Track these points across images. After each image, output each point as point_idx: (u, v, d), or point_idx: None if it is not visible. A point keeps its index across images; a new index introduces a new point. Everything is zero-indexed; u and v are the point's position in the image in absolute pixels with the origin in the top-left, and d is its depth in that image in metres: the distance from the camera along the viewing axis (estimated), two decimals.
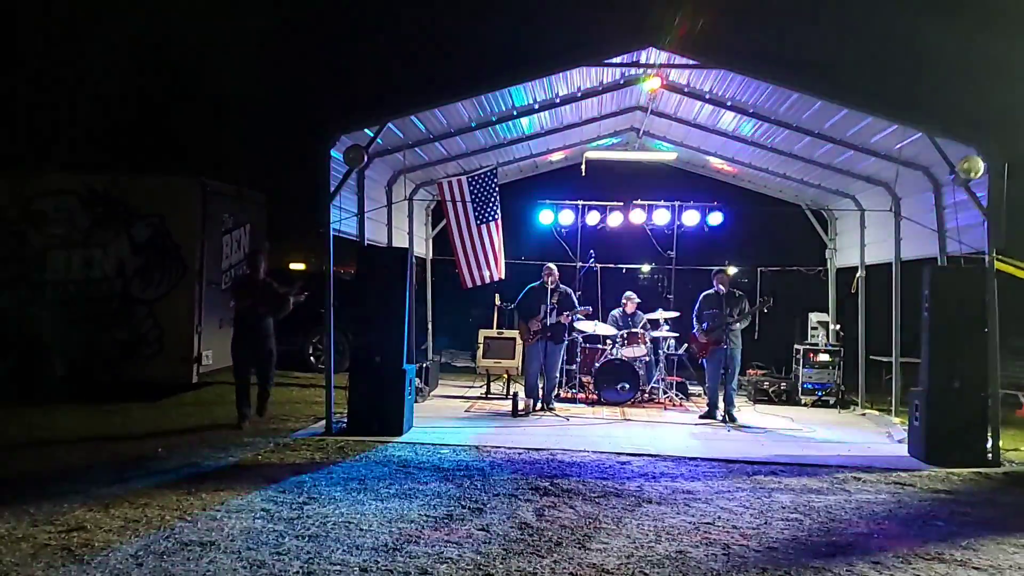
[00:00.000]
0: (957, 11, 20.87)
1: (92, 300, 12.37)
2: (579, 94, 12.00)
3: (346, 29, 26.97)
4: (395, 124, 10.96)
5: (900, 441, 10.45)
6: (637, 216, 14.37)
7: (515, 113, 12.14)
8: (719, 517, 6.76)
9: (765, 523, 6.65)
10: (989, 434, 9.40)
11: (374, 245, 11.94)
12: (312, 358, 16.33)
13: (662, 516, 6.72)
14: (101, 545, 5.50)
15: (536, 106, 12.08)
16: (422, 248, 15.55)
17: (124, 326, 12.33)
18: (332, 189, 10.16)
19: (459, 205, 13.24)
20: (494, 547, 5.73)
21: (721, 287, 11.99)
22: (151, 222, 12.44)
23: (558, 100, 12.03)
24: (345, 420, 10.03)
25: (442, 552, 5.58)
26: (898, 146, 10.69)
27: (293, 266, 20.04)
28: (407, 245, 13.49)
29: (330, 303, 10.17)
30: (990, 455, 9.34)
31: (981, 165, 9.33)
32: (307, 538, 5.79)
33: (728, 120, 12.60)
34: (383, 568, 5.22)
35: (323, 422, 10.13)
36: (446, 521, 6.33)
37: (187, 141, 23.79)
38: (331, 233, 10.24)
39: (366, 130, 10.45)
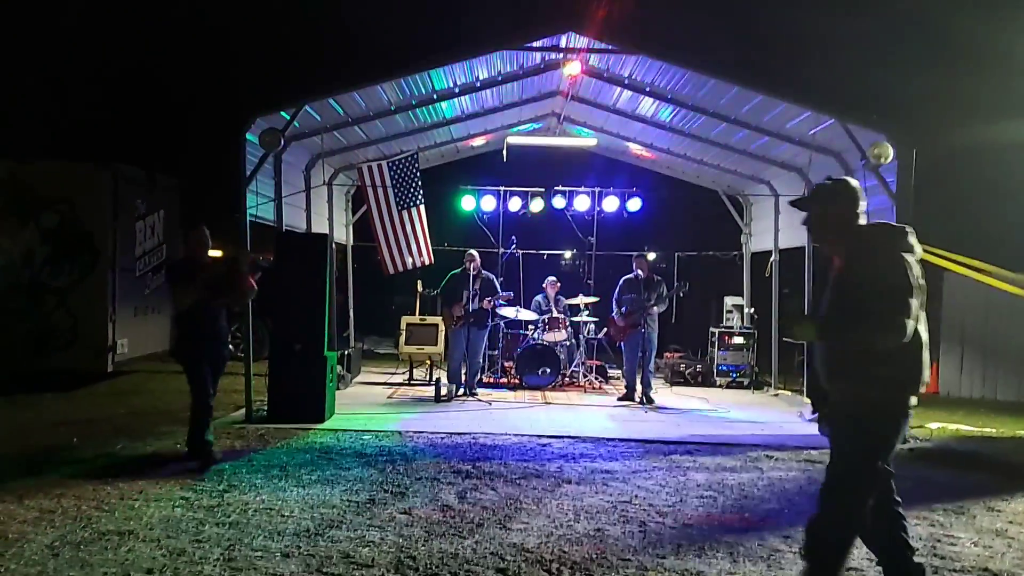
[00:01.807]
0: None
1: (0, 289, 11.98)
2: (500, 78, 12.04)
3: (262, 9, 26.46)
4: (312, 107, 10.84)
5: (811, 420, 10.74)
6: (558, 202, 14.50)
7: (435, 97, 12.11)
8: (636, 496, 6.89)
9: (681, 501, 6.81)
10: None
11: (292, 231, 11.81)
12: (230, 346, 16.05)
13: (581, 496, 6.83)
14: (15, 536, 5.36)
15: (457, 90, 12.07)
16: (342, 234, 15.42)
17: (34, 316, 11.98)
18: (248, 174, 10.01)
19: (380, 190, 13.16)
20: (416, 530, 5.76)
21: (640, 271, 12.19)
22: (59, 209, 12.09)
23: (479, 84, 12.04)
24: (265, 408, 9.92)
25: (364, 536, 5.58)
26: (811, 132, 10.99)
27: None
28: (327, 231, 13.37)
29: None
30: None
31: (890, 151, 9.64)
32: (227, 525, 5.74)
33: (647, 106, 12.78)
34: (305, 553, 5.21)
35: (243, 410, 10.01)
36: (368, 505, 6.34)
37: (96, 125, 23.09)
38: (247, 219, 10.09)
39: (282, 113, 10.31)
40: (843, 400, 4.33)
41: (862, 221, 4.42)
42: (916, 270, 4.21)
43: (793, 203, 4.77)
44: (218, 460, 7.49)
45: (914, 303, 4.11)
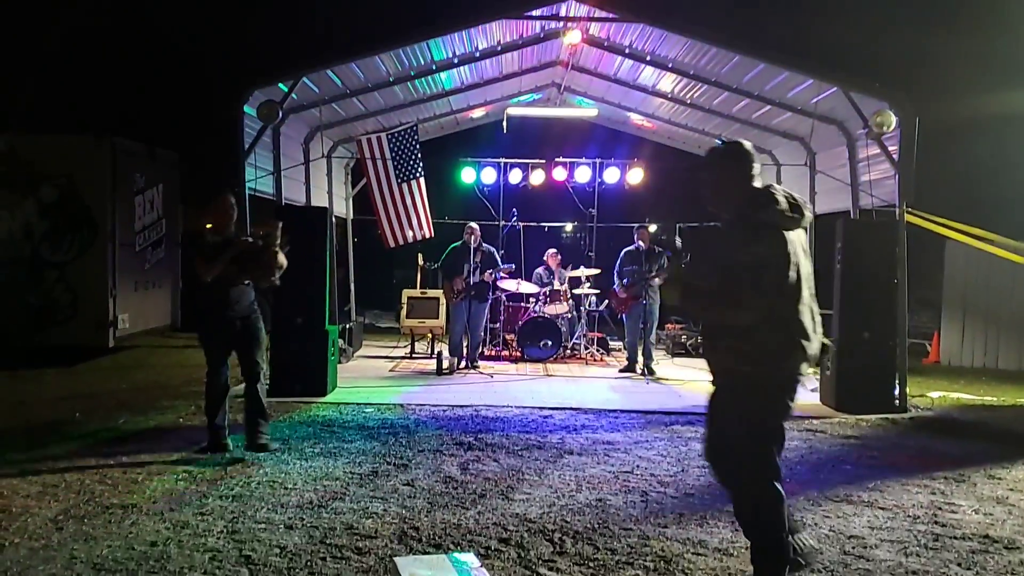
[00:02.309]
0: None
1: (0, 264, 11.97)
2: (499, 48, 11.94)
3: None
4: (310, 79, 10.76)
5: (812, 390, 10.75)
6: (559, 174, 14.39)
7: (434, 67, 12.02)
8: (638, 466, 6.91)
9: (682, 471, 6.82)
10: (897, 382, 9.76)
11: (292, 204, 11.77)
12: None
13: (583, 466, 6.85)
14: (19, 511, 5.38)
15: (456, 60, 11.98)
16: (342, 207, 15.36)
17: (35, 291, 11.97)
18: (246, 147, 9.96)
19: (379, 163, 13.09)
20: (419, 501, 5.78)
21: (642, 243, 12.16)
22: (59, 183, 12.06)
23: (478, 54, 11.95)
24: (267, 382, 9.91)
25: (368, 507, 5.60)
26: (813, 101, 10.91)
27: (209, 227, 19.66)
28: (326, 204, 13.33)
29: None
30: (897, 402, 9.70)
31: (893, 119, 9.58)
32: (231, 498, 5.76)
33: (648, 75, 12.69)
34: (308, 525, 5.22)
35: (243, 384, 9.98)
36: (371, 477, 6.35)
37: (95, 99, 22.96)
38: (246, 192, 10.05)
39: (280, 85, 10.24)
40: (717, 372, 4.29)
41: (756, 184, 4.19)
42: (794, 240, 4.07)
43: (690, 169, 4.69)
44: (227, 449, 6.97)
45: (775, 282, 3.96)
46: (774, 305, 3.98)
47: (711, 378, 4.35)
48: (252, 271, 6.97)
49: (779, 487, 4.13)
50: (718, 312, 4.12)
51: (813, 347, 4.09)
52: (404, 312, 14.00)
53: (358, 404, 9.29)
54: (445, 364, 11.83)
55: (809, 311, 4.10)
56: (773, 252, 3.98)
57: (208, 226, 7.02)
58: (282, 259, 6.97)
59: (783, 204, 4.06)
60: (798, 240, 4.10)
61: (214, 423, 7.07)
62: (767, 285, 3.94)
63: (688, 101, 13.09)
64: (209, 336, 7.09)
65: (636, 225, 12.67)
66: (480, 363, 12.34)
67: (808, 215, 4.16)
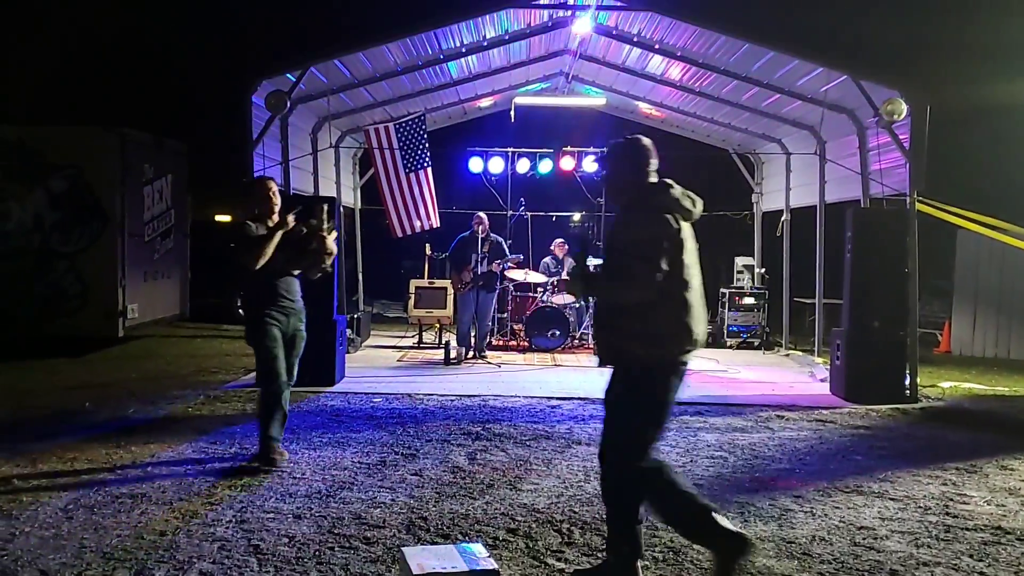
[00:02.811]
0: None
1: (9, 254, 11.99)
2: (507, 37, 11.90)
3: None
4: (318, 69, 10.75)
5: (822, 380, 10.75)
6: (567, 163, 14.36)
7: (442, 57, 11.99)
8: None
9: (691, 461, 6.81)
10: (907, 372, 9.72)
11: (300, 194, 11.76)
12: (241, 310, 16.06)
13: (591, 456, 6.81)
14: (29, 500, 5.39)
15: (463, 49, 11.95)
16: (350, 197, 15.36)
17: (45, 281, 12.01)
18: (254, 137, 9.96)
19: (387, 153, 13.08)
20: (427, 491, 5.78)
21: None
22: (68, 174, 12.07)
23: (486, 43, 11.91)
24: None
25: (376, 497, 5.60)
26: (823, 89, 10.85)
27: (218, 218, 19.69)
28: (334, 194, 13.32)
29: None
30: (908, 392, 9.66)
31: (904, 108, 9.52)
32: (240, 488, 5.76)
33: (656, 64, 12.64)
34: (317, 514, 5.23)
35: (253, 374, 10.01)
36: (379, 467, 6.35)
37: (104, 89, 23.00)
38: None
39: (288, 75, 10.24)
40: (606, 353, 4.37)
41: (652, 179, 4.34)
42: (680, 227, 4.18)
43: (597, 161, 4.80)
44: (277, 464, 6.26)
45: (666, 259, 4.06)
46: (666, 286, 4.09)
47: (597, 360, 4.48)
48: (300, 260, 6.43)
49: (648, 472, 4.21)
50: (612, 291, 4.26)
51: (700, 332, 4.22)
52: (412, 302, 14.00)
53: (366, 394, 9.30)
54: (453, 354, 11.82)
55: (700, 297, 4.24)
56: (666, 233, 4.12)
57: (250, 219, 6.33)
58: (332, 245, 6.44)
59: (677, 193, 4.25)
60: (690, 233, 4.26)
61: (269, 434, 6.30)
62: (658, 266, 4.05)
63: (697, 90, 13.03)
64: (267, 338, 6.27)
65: None
66: (488, 353, 12.33)
67: (698, 209, 4.32)
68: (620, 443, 4.28)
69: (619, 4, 10.64)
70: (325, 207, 6.57)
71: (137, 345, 12.69)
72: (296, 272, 6.47)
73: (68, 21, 23.97)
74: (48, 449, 6.66)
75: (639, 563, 4.32)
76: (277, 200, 6.45)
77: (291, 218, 6.28)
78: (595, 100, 15.12)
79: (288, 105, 10.11)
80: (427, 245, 14.98)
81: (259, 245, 6.11)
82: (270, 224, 6.28)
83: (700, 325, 4.22)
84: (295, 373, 6.56)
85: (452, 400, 9.15)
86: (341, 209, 12.01)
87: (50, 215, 12.04)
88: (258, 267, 6.10)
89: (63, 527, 4.93)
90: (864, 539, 5.06)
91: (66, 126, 12.80)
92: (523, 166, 14.34)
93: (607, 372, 4.36)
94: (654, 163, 4.37)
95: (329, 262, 6.54)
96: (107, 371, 10.70)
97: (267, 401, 6.31)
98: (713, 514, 4.09)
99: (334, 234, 6.58)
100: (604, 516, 5.28)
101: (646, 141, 4.41)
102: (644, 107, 15.01)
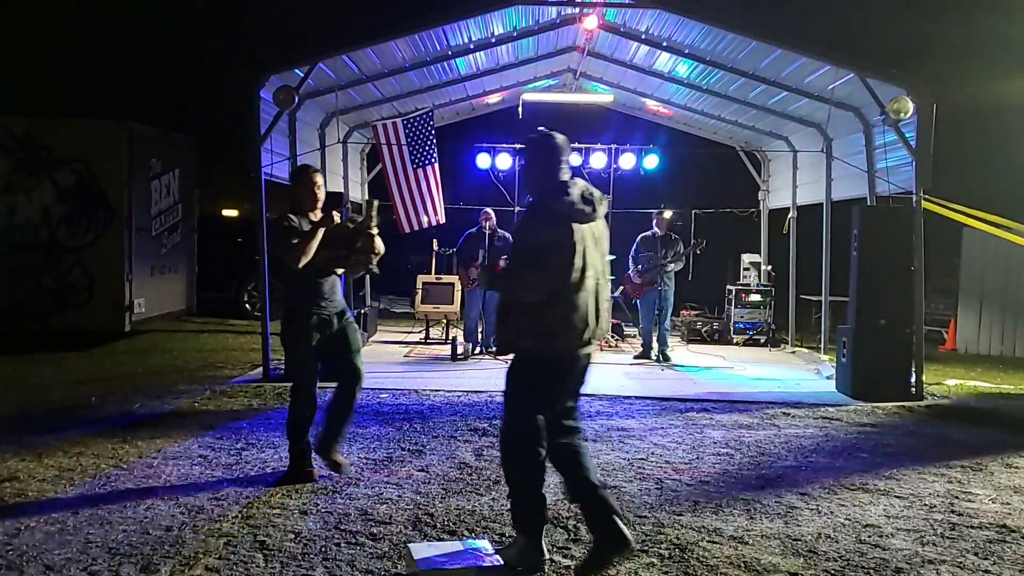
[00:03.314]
0: None
1: (17, 248, 12.03)
2: (515, 33, 11.89)
3: None
4: (327, 64, 10.74)
5: (828, 377, 10.74)
6: (574, 159, 14.33)
7: (450, 53, 11.98)
8: (653, 453, 6.90)
9: (697, 458, 6.81)
10: (913, 369, 9.71)
11: (331, 192, 11.77)
12: (247, 305, 16.13)
13: (597, 453, 6.84)
14: (35, 495, 5.42)
15: (472, 46, 11.94)
16: (357, 193, 15.38)
17: (52, 275, 12.05)
18: (262, 132, 9.96)
19: (395, 148, 13.08)
20: (434, 487, 5.79)
21: (658, 229, 12.13)
22: (75, 168, 12.11)
23: (494, 40, 11.90)
24: (283, 367, 9.95)
25: (382, 493, 5.61)
26: (830, 87, 10.84)
27: (225, 212, 19.75)
28: (342, 190, 13.33)
29: (264, 249, 10.02)
30: (914, 389, 9.65)
31: (910, 106, 9.49)
32: (246, 483, 5.78)
33: (664, 61, 12.61)
34: (323, 510, 5.24)
35: (260, 369, 10.06)
36: (386, 463, 6.37)
37: (111, 83, 23.02)
38: (262, 177, 10.05)
39: (296, 70, 10.22)
40: (501, 344, 4.74)
41: (562, 176, 4.50)
42: (585, 231, 4.39)
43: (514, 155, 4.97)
44: (313, 478, 5.85)
45: (555, 265, 4.27)
46: (557, 287, 4.30)
47: (495, 351, 4.89)
48: (345, 259, 5.99)
49: (541, 452, 4.40)
50: (507, 289, 4.51)
51: (591, 330, 4.43)
52: (419, 297, 14.00)
53: (372, 389, 9.30)
54: (460, 350, 11.83)
55: (594, 297, 4.44)
56: (559, 238, 4.30)
57: (292, 212, 5.91)
58: (379, 244, 5.92)
59: (574, 197, 4.40)
60: (590, 232, 4.45)
61: (299, 447, 5.94)
62: (550, 267, 4.27)
63: (704, 87, 13.01)
64: (302, 340, 5.85)
65: (654, 211, 12.65)
66: (495, 349, 12.33)
67: (601, 211, 4.52)
68: (513, 426, 4.51)
69: (627, 1, 10.62)
70: (376, 203, 6.08)
71: (143, 339, 12.72)
72: (340, 271, 6.09)
73: (76, 13, 24.00)
74: (54, 443, 6.69)
75: (543, 539, 4.53)
76: (322, 193, 6.05)
77: (336, 215, 5.88)
78: (603, 97, 15.11)
79: (296, 100, 10.11)
80: (434, 241, 14.97)
81: (302, 242, 5.69)
82: (313, 218, 5.87)
83: (591, 322, 4.42)
84: (360, 371, 6.04)
85: (459, 396, 9.16)
86: (349, 205, 12.01)
87: (57, 209, 12.08)
88: (300, 266, 5.69)
89: (69, 522, 4.96)
90: (870, 537, 5.06)
91: (73, 119, 12.82)
92: None
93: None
94: (566, 159, 4.57)
95: (375, 262, 6.14)
96: (113, 365, 10.73)
97: (294, 409, 5.97)
98: (615, 517, 4.34)
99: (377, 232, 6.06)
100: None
101: (559, 138, 4.58)
102: (651, 104, 14.99)
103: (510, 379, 4.55)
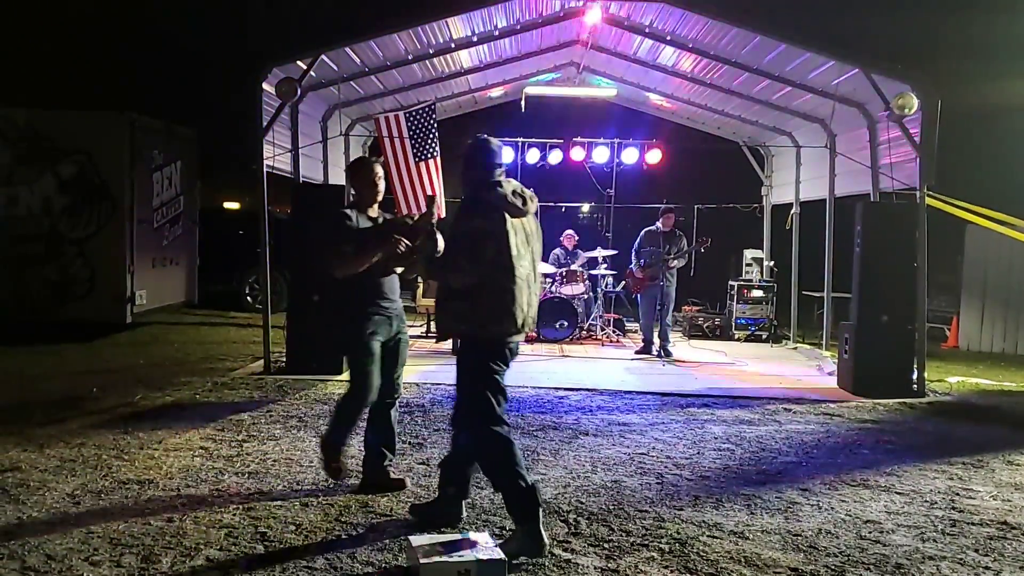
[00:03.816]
0: None
1: (18, 239, 12.02)
2: (519, 26, 11.84)
3: None
4: (329, 56, 10.71)
5: (830, 374, 10.73)
6: (577, 154, 14.33)
7: (453, 46, 11.95)
8: (653, 448, 6.90)
9: (698, 453, 6.81)
10: (915, 366, 9.71)
11: (310, 182, 11.76)
12: (249, 297, 16.13)
13: (598, 448, 6.84)
14: (37, 485, 5.42)
15: (475, 39, 11.90)
16: None
17: (53, 266, 12.04)
18: (264, 124, 9.94)
19: (397, 141, 13.05)
20: (434, 480, 5.75)
21: (662, 225, 12.13)
22: (77, 159, 12.08)
23: (497, 32, 11.86)
24: (284, 360, 9.96)
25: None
26: (834, 82, 10.80)
27: (227, 204, 19.74)
28: (343, 182, 13.30)
29: (265, 242, 10.02)
30: (915, 386, 9.64)
31: (915, 102, 9.47)
32: (247, 475, 5.78)
33: (668, 55, 12.57)
34: (324, 502, 5.24)
35: (261, 361, 10.06)
36: None
37: (114, 74, 23.01)
38: (264, 170, 10.04)
39: (299, 62, 10.20)
40: (440, 329, 4.98)
41: (497, 177, 4.74)
42: (518, 225, 4.65)
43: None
44: (343, 477, 5.57)
45: (487, 253, 4.53)
46: (489, 274, 4.56)
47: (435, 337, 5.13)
48: (405, 258, 5.49)
49: (502, 432, 4.62)
50: (443, 276, 4.79)
51: (523, 319, 4.67)
52: (420, 291, 13.99)
53: None
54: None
55: (527, 287, 4.69)
56: (491, 228, 4.56)
57: (349, 206, 5.67)
58: (441, 243, 5.06)
59: (507, 191, 4.66)
60: (522, 227, 4.71)
61: (335, 439, 5.55)
62: (482, 255, 4.53)
63: (708, 81, 12.97)
64: (364, 349, 5.40)
65: (661, 207, 12.64)
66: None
67: (532, 208, 4.78)
68: (462, 407, 4.80)
69: None
70: (436, 200, 5.79)
71: (145, 331, 12.73)
72: (399, 270, 5.66)
73: (78, 5, 23.97)
74: (55, 434, 6.69)
75: (464, 502, 4.99)
76: (382, 186, 5.65)
77: (401, 243, 5.34)
78: (606, 91, 15.08)
79: (298, 92, 10.08)
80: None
81: (357, 258, 5.32)
82: (371, 214, 5.59)
83: (522, 311, 4.66)
84: (400, 386, 5.76)
85: None
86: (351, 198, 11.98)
87: (59, 200, 12.06)
88: (339, 277, 5.36)
89: (70, 512, 4.96)
90: (870, 533, 5.06)
91: (76, 111, 12.78)
92: (533, 156, 14.31)
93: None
94: (500, 163, 4.84)
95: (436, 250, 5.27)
96: (115, 357, 10.74)
97: (347, 402, 5.57)
98: (540, 510, 4.52)
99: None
100: (612, 507, 5.31)
101: (494, 143, 4.89)
102: (655, 98, 14.96)
103: (458, 368, 4.76)
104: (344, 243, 5.38)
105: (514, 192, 4.68)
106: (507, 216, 4.61)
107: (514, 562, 4.34)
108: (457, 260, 4.59)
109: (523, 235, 4.70)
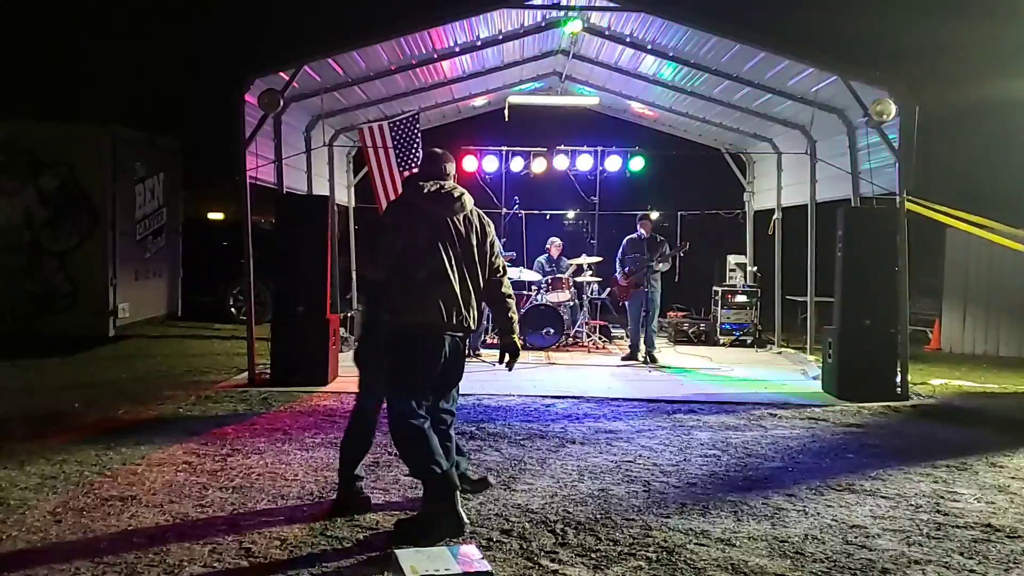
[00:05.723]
0: None
1: None
2: (500, 37, 11.87)
3: None
4: (312, 67, 10.69)
5: (815, 378, 10.77)
6: (561, 162, 14.35)
7: (436, 56, 11.96)
8: (640, 455, 6.90)
9: (684, 460, 6.81)
10: (899, 369, 9.75)
11: (293, 193, 11.74)
12: (233, 309, 16.05)
13: (585, 456, 6.84)
14: (17, 503, 5.36)
15: (457, 49, 11.92)
16: (344, 196, 15.33)
17: (35, 279, 11.95)
18: (247, 135, 9.91)
19: (381, 151, 13.05)
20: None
21: (643, 232, 12.16)
22: (59, 171, 12.01)
23: (479, 43, 11.88)
24: (268, 371, 9.92)
25: (369, 498, 5.58)
26: (814, 89, 10.88)
27: (211, 216, 19.66)
28: (328, 193, 13.29)
29: (249, 253, 9.99)
30: (899, 389, 9.69)
31: (893, 108, 9.53)
32: (231, 489, 5.74)
33: (649, 64, 12.63)
34: (309, 516, 5.21)
35: (245, 374, 10.01)
36: (373, 468, 6.33)
37: (95, 86, 22.90)
38: (248, 181, 10.01)
39: (281, 74, 10.18)
40: (365, 322, 5.26)
41: (427, 181, 5.04)
42: (422, 220, 4.92)
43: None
44: (359, 508, 5.36)
45: (396, 246, 4.84)
46: (399, 266, 4.85)
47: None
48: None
49: (417, 424, 4.86)
50: (362, 266, 4.97)
51: (452, 315, 4.92)
52: None
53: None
54: None
55: (457, 285, 4.94)
56: (399, 223, 4.91)
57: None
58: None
59: (426, 189, 4.98)
60: (452, 225, 4.99)
61: (351, 475, 5.47)
62: (389, 248, 4.84)
63: (689, 89, 13.03)
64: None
65: (639, 214, 12.68)
66: (482, 351, 12.32)
67: (465, 205, 5.06)
68: (389, 393, 5.02)
69: (611, 5, 10.63)
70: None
71: (128, 344, 12.64)
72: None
73: (60, 17, 23.86)
74: (36, 451, 6.62)
75: (458, 496, 4.89)
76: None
77: None
78: (588, 100, 15.12)
79: (281, 104, 10.07)
80: None
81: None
82: None
83: (449, 307, 4.90)
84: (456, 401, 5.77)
85: None
86: (335, 208, 11.98)
87: (40, 212, 11.98)
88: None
89: (51, 530, 4.91)
90: (856, 537, 5.07)
91: (57, 123, 12.70)
92: (517, 164, 14.32)
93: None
94: (440, 171, 5.14)
95: None
96: (97, 371, 10.65)
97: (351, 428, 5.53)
98: (456, 493, 4.82)
99: None
100: (599, 516, 5.31)
101: (438, 154, 5.26)
102: (637, 106, 15.02)
103: (383, 355, 5.01)
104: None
105: (430, 191, 4.97)
106: (422, 213, 4.92)
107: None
108: (368, 252, 4.97)
109: (454, 232, 4.97)
